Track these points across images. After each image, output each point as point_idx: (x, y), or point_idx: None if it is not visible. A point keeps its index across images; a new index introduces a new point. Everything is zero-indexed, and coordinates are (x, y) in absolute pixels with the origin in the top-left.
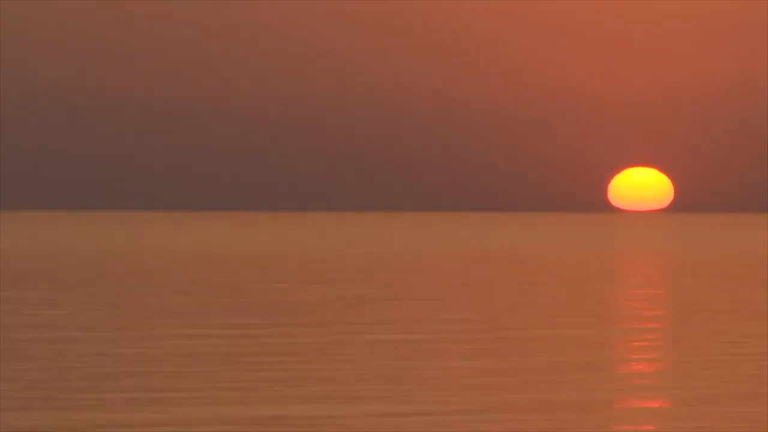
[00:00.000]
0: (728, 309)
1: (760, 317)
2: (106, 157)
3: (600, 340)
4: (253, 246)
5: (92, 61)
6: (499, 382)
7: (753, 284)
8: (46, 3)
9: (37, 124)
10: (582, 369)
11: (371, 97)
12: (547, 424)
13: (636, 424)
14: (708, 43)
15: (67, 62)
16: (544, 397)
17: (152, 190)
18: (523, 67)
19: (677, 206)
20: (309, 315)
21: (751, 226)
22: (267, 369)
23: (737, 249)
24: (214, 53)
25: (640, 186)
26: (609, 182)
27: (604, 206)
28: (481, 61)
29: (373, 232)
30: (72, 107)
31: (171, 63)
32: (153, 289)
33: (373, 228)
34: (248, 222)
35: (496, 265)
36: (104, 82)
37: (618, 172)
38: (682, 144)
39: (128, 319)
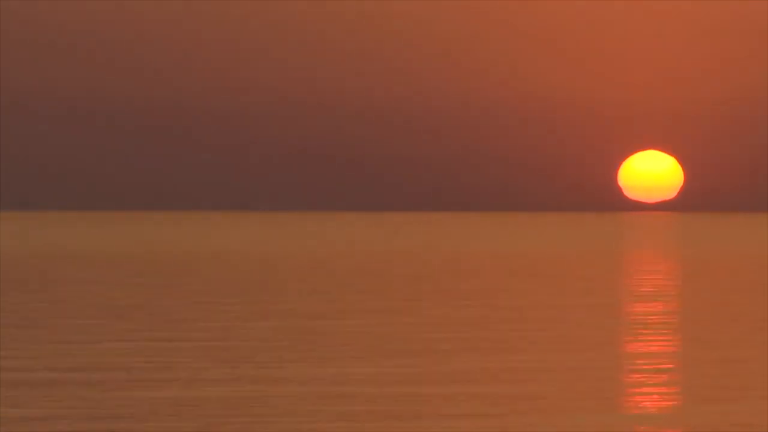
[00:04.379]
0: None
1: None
2: (102, 157)
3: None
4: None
5: (93, 60)
6: None
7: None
8: (45, 3)
9: (37, 123)
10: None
11: (375, 97)
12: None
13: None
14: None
15: (67, 62)
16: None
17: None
18: (522, 65)
19: (688, 192)
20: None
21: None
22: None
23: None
24: (217, 53)
25: (651, 171)
26: (619, 167)
27: (614, 193)
28: (480, 60)
29: (415, 233)
30: (72, 107)
31: (172, 63)
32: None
33: (412, 228)
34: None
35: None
36: (105, 83)
37: (628, 156)
38: (691, 127)
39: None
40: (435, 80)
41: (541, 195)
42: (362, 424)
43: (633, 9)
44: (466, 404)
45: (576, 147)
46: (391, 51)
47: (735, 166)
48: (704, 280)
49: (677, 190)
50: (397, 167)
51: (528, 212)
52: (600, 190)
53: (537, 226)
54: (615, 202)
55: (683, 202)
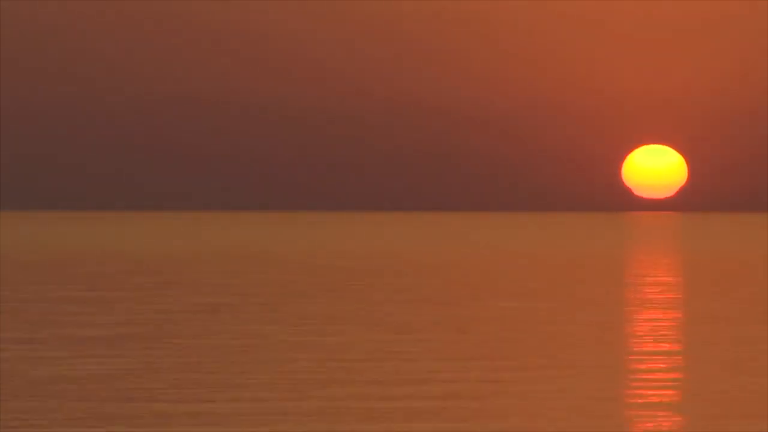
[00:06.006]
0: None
1: None
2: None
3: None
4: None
5: (93, 60)
6: None
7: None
8: (43, 2)
9: (37, 123)
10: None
11: (376, 95)
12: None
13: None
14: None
15: (67, 61)
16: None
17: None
18: (520, 65)
19: (692, 186)
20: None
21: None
22: None
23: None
24: (217, 52)
25: (654, 166)
26: (623, 160)
27: (618, 187)
28: (481, 61)
29: (434, 232)
30: (72, 107)
31: (172, 62)
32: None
33: (431, 228)
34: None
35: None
36: (108, 82)
37: (631, 150)
38: (693, 123)
39: None
40: (437, 81)
41: (541, 194)
42: None
43: (635, 7)
44: None
45: (576, 145)
46: (391, 51)
47: (737, 162)
48: None
49: (678, 187)
50: (396, 167)
51: (527, 212)
52: (603, 187)
53: (553, 227)
54: (618, 199)
55: (684, 199)
